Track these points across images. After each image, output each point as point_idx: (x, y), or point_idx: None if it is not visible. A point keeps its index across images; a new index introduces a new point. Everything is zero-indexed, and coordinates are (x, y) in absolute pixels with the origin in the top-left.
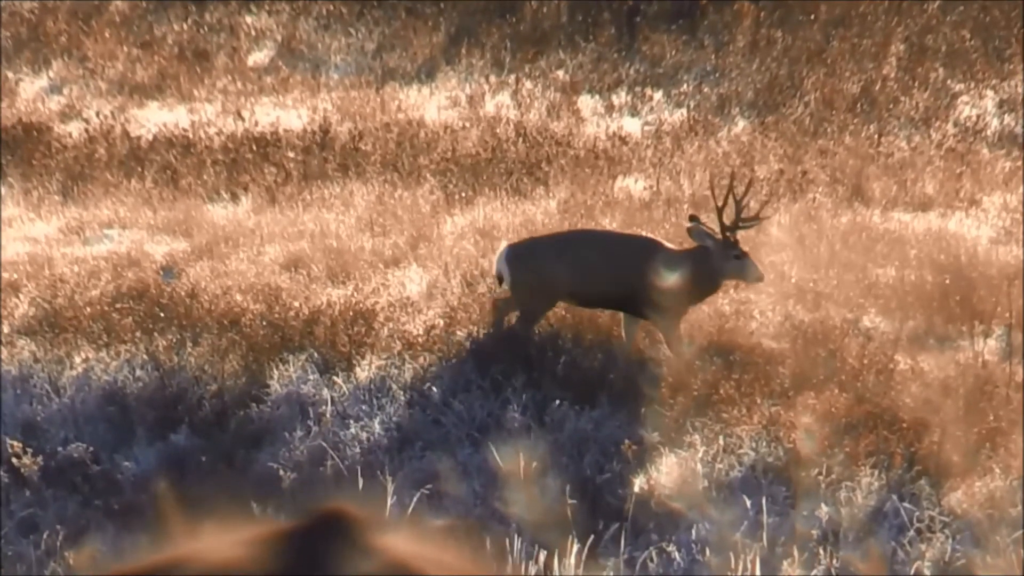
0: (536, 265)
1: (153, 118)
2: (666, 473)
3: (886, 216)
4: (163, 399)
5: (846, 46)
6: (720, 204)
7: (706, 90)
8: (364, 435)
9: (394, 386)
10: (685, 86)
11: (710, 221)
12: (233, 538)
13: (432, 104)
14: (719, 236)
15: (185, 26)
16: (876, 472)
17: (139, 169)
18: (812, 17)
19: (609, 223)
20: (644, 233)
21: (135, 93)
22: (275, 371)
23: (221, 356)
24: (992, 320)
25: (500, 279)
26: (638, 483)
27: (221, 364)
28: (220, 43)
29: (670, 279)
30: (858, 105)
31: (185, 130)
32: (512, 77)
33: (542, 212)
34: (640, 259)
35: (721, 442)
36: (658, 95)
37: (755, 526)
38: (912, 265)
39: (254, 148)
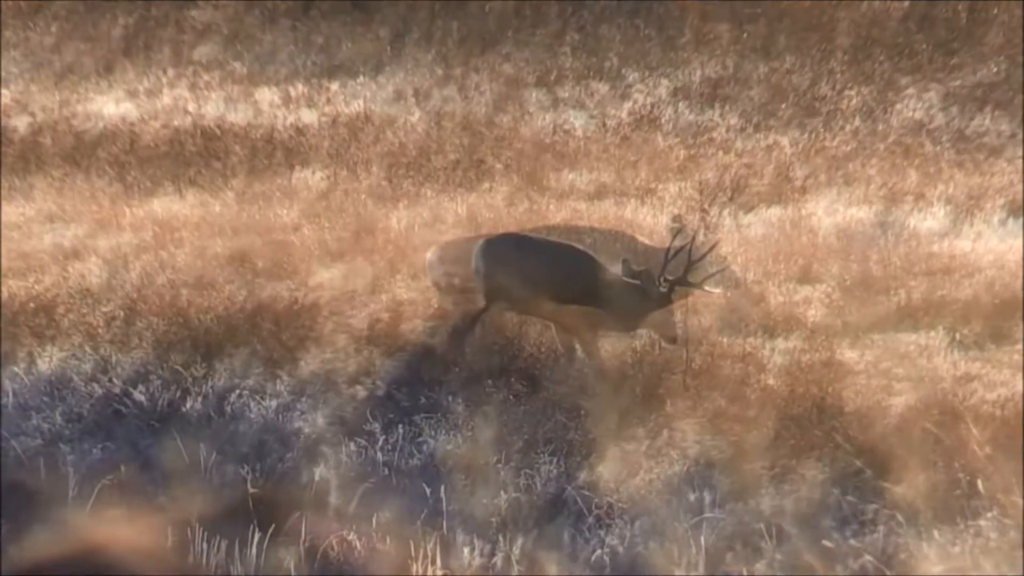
0: (513, 263)
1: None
2: (346, 462)
3: (562, 204)
4: None
5: (521, 36)
6: (671, 256)
7: (382, 80)
8: (46, 426)
9: (75, 377)
10: (361, 77)
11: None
12: None
13: (111, 98)
14: (662, 285)
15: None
16: (555, 459)
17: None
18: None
19: (287, 213)
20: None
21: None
22: None
23: None
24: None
25: (438, 286)
26: (318, 472)
27: None
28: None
29: (600, 299)
30: (535, 95)
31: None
32: (190, 70)
33: (220, 203)
34: (578, 271)
35: (401, 430)
36: (335, 86)
37: (435, 514)
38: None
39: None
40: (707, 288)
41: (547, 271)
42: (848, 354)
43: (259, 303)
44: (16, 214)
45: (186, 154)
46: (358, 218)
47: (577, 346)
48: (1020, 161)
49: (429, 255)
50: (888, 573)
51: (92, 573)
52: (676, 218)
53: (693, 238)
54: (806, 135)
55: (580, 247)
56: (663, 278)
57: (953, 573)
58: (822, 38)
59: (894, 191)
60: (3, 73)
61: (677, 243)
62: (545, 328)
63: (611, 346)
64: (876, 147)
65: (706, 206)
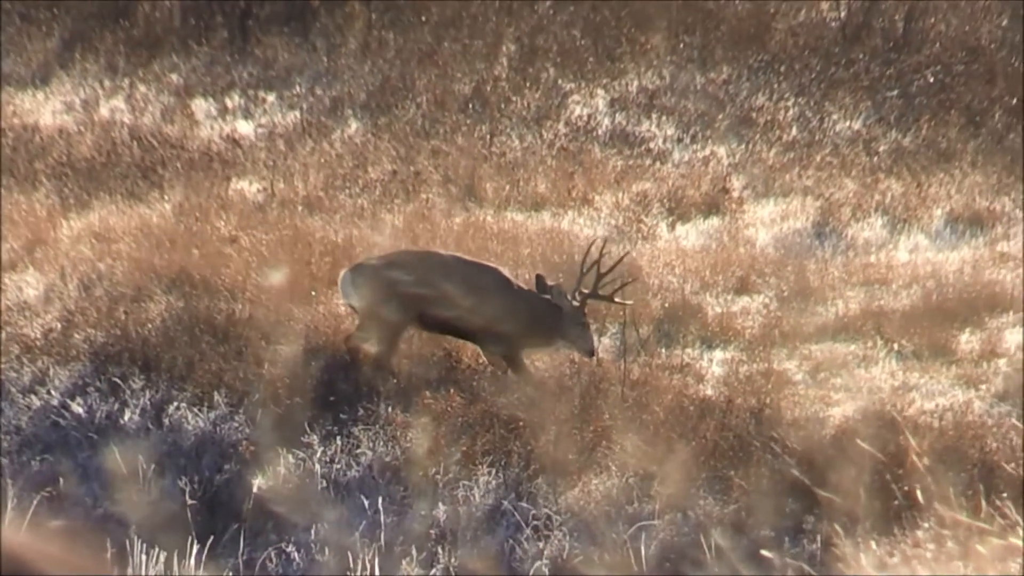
0: (384, 284)
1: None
2: (284, 473)
3: (500, 216)
4: None
5: (457, 47)
6: (585, 271)
7: (319, 92)
8: None
9: (12, 389)
10: (298, 88)
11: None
12: None
13: (47, 109)
14: (574, 300)
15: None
16: (493, 471)
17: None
18: (423, 18)
19: (224, 225)
20: (492, 264)
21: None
22: None
23: None
24: (605, 318)
25: (351, 306)
26: (256, 483)
27: None
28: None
29: (513, 316)
30: (470, 105)
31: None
32: (126, 81)
33: (158, 215)
34: (489, 289)
35: (339, 442)
36: (271, 97)
37: (373, 526)
38: (526, 263)
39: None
40: (618, 300)
41: (458, 288)
42: (786, 364)
43: (197, 315)
44: None
45: (123, 166)
46: (295, 229)
47: (502, 361)
48: (957, 172)
49: (341, 277)
50: None
51: None
52: (539, 278)
53: (601, 252)
54: (743, 146)
55: (490, 264)
56: (577, 292)
57: None
58: (758, 48)
59: (831, 201)
60: None
61: (590, 259)
62: (553, 350)
63: (549, 358)
64: (813, 158)
65: (642, 217)
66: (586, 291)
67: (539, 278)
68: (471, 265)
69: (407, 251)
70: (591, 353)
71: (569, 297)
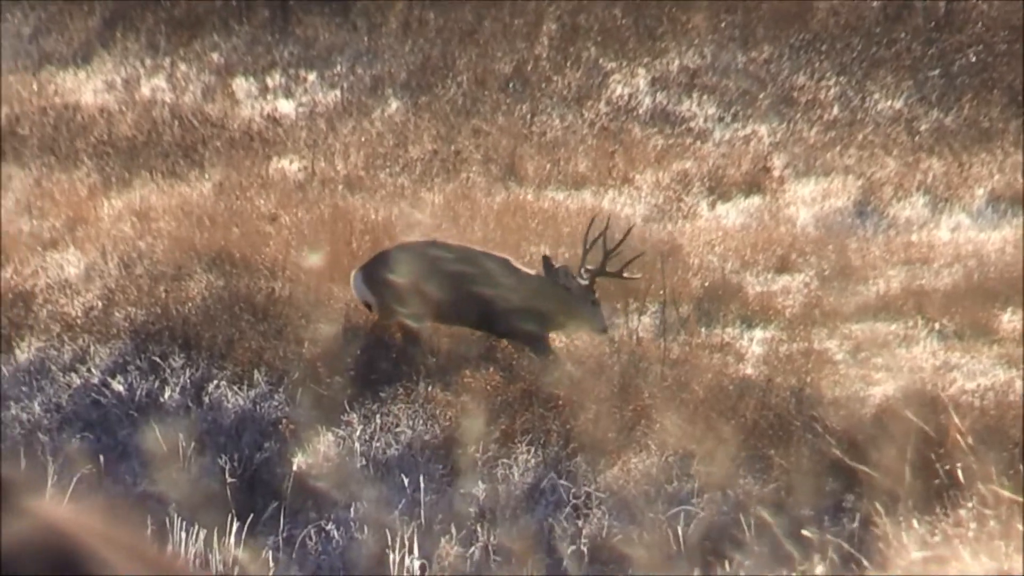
0: (396, 280)
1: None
2: (324, 452)
3: (540, 195)
4: None
5: (498, 26)
6: (588, 247)
7: (360, 71)
8: (24, 416)
9: (53, 367)
10: (338, 67)
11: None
12: None
13: (88, 88)
14: (582, 280)
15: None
16: (532, 449)
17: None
18: None
19: (264, 203)
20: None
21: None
22: None
23: None
24: (646, 297)
25: (368, 306)
26: (296, 462)
27: None
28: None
29: (522, 302)
30: (511, 84)
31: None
32: (167, 60)
33: (198, 194)
34: (496, 276)
35: (379, 420)
36: (312, 76)
37: (413, 504)
38: (566, 243)
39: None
40: (627, 275)
41: (462, 279)
42: (827, 344)
43: (237, 294)
44: None
45: (164, 144)
46: (335, 208)
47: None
48: (999, 151)
49: (352, 277)
50: (864, 562)
51: (70, 563)
52: (545, 259)
53: (606, 228)
54: (784, 125)
55: (495, 253)
56: (583, 271)
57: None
58: (800, 27)
59: (872, 180)
60: None
61: (592, 234)
62: (567, 332)
63: (588, 337)
64: (854, 137)
65: (683, 196)
66: (592, 268)
67: (545, 259)
68: (476, 254)
69: (410, 243)
70: (604, 331)
71: (577, 276)
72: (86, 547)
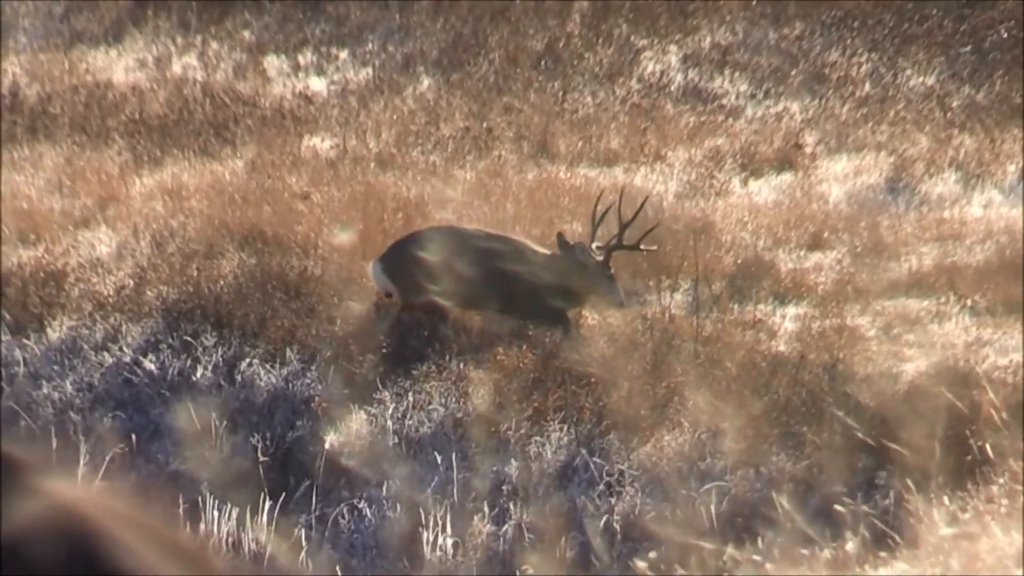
0: (416, 267)
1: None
2: (356, 430)
3: (572, 171)
4: None
5: (530, 3)
6: (598, 221)
7: (391, 49)
8: (56, 395)
9: (85, 346)
10: (370, 45)
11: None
12: None
13: (120, 66)
14: (597, 255)
15: None
16: (565, 427)
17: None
18: None
19: (296, 181)
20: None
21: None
22: None
23: None
24: (679, 274)
25: (388, 295)
26: (329, 440)
27: None
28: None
29: (539, 281)
30: (542, 62)
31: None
32: (198, 38)
33: (230, 172)
34: (511, 257)
35: (411, 398)
36: (344, 54)
37: (445, 482)
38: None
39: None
40: (643, 247)
41: (482, 261)
42: (859, 320)
43: (269, 272)
44: (25, 183)
45: (195, 123)
46: (367, 186)
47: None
48: None
49: (371, 267)
50: (896, 538)
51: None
52: (559, 236)
53: (620, 200)
54: (816, 101)
55: (507, 235)
56: (596, 246)
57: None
58: (832, 4)
59: (904, 157)
60: (13, 43)
61: (600, 209)
62: (583, 307)
63: (621, 314)
64: (886, 113)
65: (715, 173)
66: (601, 244)
67: (560, 236)
68: (492, 236)
69: (426, 229)
70: (621, 305)
71: (592, 252)
72: (106, 529)
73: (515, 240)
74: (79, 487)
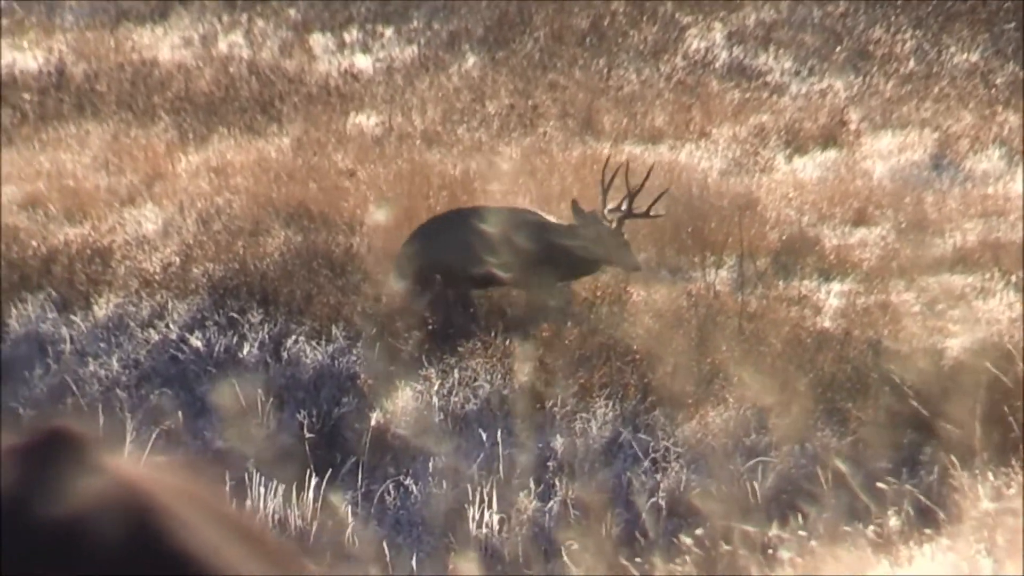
0: (418, 260)
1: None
2: (402, 406)
3: (617, 148)
4: None
5: None
6: (607, 188)
7: (436, 26)
8: (103, 372)
9: (132, 323)
10: (415, 23)
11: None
12: None
13: (166, 44)
14: (610, 222)
15: None
16: (610, 403)
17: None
18: None
19: (342, 159)
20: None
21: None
22: (13, 310)
23: None
24: (723, 250)
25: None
26: (374, 416)
27: None
28: None
29: (558, 251)
30: (587, 39)
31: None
32: (244, 16)
33: (276, 149)
34: (527, 230)
35: (456, 375)
36: (389, 32)
37: (491, 458)
38: (643, 196)
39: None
40: (653, 213)
41: (497, 239)
42: (904, 296)
43: (315, 249)
44: (72, 161)
45: (241, 100)
46: (413, 163)
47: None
48: None
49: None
50: (940, 514)
51: (146, 521)
52: (574, 204)
53: (625, 168)
54: (860, 78)
55: (522, 208)
56: (606, 212)
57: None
58: None
59: (948, 133)
60: (60, 21)
61: (607, 178)
62: (600, 273)
63: (666, 291)
64: (930, 90)
65: (759, 149)
66: (612, 210)
67: (575, 204)
68: (504, 212)
69: (436, 218)
70: (637, 268)
71: (605, 218)
72: (162, 504)
73: (528, 211)
74: (136, 463)
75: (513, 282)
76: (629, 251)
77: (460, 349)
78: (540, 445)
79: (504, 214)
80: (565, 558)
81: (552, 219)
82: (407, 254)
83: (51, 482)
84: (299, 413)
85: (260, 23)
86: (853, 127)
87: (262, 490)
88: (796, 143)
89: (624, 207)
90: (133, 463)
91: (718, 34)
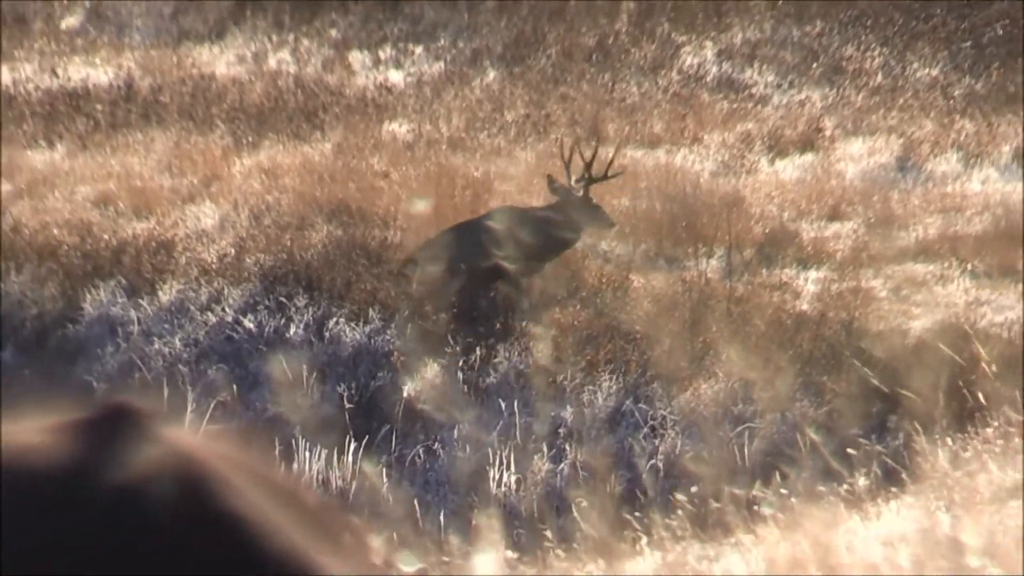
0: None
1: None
2: (431, 380)
3: (620, 153)
4: None
5: (583, 4)
6: (568, 161)
7: (461, 45)
8: (166, 350)
9: (192, 307)
10: (442, 41)
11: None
12: (33, 426)
13: (222, 61)
14: (578, 191)
15: None
16: (614, 377)
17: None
18: None
19: (378, 162)
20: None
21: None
22: (88, 296)
23: (41, 283)
24: (714, 242)
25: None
26: (406, 389)
27: (41, 290)
28: (36, 9)
29: (544, 232)
30: (594, 56)
31: (7, 86)
32: (291, 36)
33: (319, 153)
34: (514, 224)
35: (479, 353)
36: (419, 50)
37: (509, 426)
38: (643, 195)
39: (67, 101)
40: (612, 174)
41: (492, 238)
42: (873, 282)
43: (354, 241)
44: (139, 164)
45: (288, 110)
46: (439, 166)
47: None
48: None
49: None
50: (904, 475)
51: (202, 486)
52: (550, 178)
53: (576, 143)
54: (834, 91)
55: (508, 206)
56: (573, 184)
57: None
58: (848, 5)
59: (912, 139)
60: (128, 40)
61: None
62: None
63: (663, 278)
64: (896, 101)
65: (746, 153)
66: (577, 180)
67: (549, 177)
68: (486, 217)
69: (442, 233)
70: (612, 226)
71: (574, 189)
72: (216, 470)
73: (506, 208)
74: (190, 433)
75: (519, 272)
76: (601, 211)
77: (482, 330)
78: (552, 414)
79: (491, 214)
80: (575, 513)
81: (534, 205)
82: (433, 251)
83: (116, 451)
84: (339, 386)
85: (305, 42)
86: (828, 133)
87: (307, 454)
88: (778, 148)
89: (586, 176)
90: (190, 434)
91: (709, 52)
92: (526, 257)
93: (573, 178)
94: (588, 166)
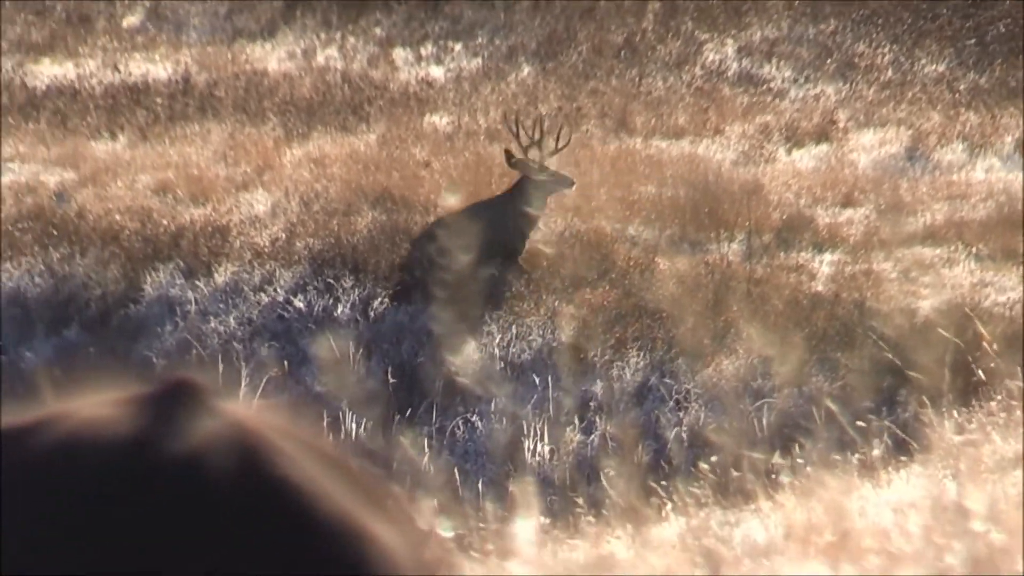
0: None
1: (46, 72)
2: (469, 357)
3: (647, 143)
4: (57, 302)
5: (612, 4)
6: (516, 134)
7: (497, 42)
8: (222, 328)
9: (246, 288)
10: (480, 39)
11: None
12: (99, 400)
13: (273, 57)
14: (533, 162)
15: None
16: (641, 353)
17: (34, 113)
18: None
19: (419, 152)
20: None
21: (31, 51)
22: (148, 278)
23: (104, 266)
24: (734, 227)
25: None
26: (446, 365)
27: (104, 272)
28: (100, 9)
29: (512, 212)
30: (622, 53)
31: (72, 81)
32: (338, 34)
33: (364, 144)
34: (483, 213)
35: (514, 330)
36: (458, 47)
37: (542, 399)
38: (668, 183)
39: (129, 95)
40: (562, 142)
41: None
42: (883, 265)
43: (397, 226)
44: (196, 154)
45: (336, 104)
46: (477, 156)
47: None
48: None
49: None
50: (914, 445)
51: (256, 457)
52: (507, 152)
53: (517, 115)
54: (847, 85)
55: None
56: (526, 152)
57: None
58: (860, 4)
59: (920, 131)
60: (185, 38)
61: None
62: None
63: (686, 261)
64: (905, 94)
65: (764, 144)
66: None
67: (507, 152)
68: (459, 213)
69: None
70: (572, 184)
71: (532, 162)
72: (270, 442)
73: (472, 204)
74: (247, 406)
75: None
76: (559, 174)
77: (517, 309)
78: (583, 389)
79: (480, 210)
80: (604, 482)
81: (492, 195)
82: (464, 239)
83: (177, 423)
84: (384, 362)
85: (352, 40)
86: (841, 125)
87: (353, 426)
88: (794, 139)
89: (542, 147)
90: (245, 407)
91: (730, 48)
92: (489, 254)
93: (526, 149)
94: (541, 138)
